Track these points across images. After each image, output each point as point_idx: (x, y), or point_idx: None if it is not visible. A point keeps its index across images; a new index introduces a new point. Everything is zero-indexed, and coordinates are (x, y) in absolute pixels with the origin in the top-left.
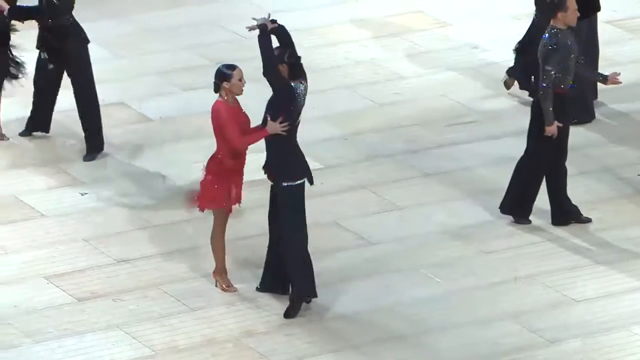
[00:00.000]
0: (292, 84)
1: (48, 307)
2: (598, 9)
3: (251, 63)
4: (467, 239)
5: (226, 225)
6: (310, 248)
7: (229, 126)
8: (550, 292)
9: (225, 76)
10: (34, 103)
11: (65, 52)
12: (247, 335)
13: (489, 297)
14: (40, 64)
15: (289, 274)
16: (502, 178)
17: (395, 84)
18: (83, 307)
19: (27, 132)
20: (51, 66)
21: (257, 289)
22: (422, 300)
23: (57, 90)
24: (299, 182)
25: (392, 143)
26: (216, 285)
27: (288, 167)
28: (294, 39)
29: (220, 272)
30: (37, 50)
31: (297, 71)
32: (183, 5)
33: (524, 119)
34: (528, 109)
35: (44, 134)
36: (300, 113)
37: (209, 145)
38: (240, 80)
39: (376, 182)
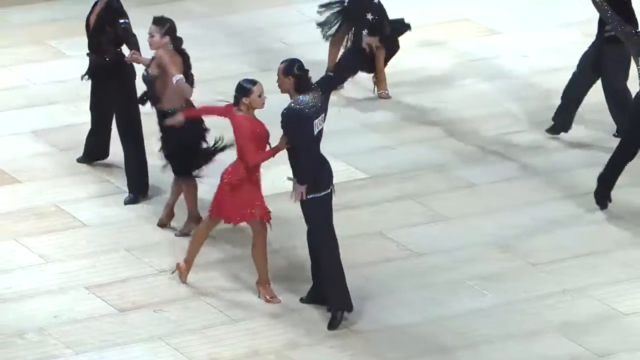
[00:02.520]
0: (296, 99)
1: (89, 318)
2: None
3: None
4: (515, 250)
5: (266, 235)
6: (354, 258)
7: (248, 144)
8: (599, 304)
9: (244, 91)
10: (91, 129)
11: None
12: (290, 348)
13: (536, 309)
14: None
15: (324, 285)
16: (550, 189)
17: (442, 93)
18: (124, 318)
19: (86, 159)
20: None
21: (301, 300)
22: (469, 312)
23: (112, 116)
24: (323, 193)
25: (439, 152)
26: (259, 297)
27: (314, 180)
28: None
29: (264, 283)
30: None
31: (304, 85)
32: (228, 13)
33: (573, 130)
34: (579, 119)
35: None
36: (320, 124)
37: None
38: (259, 96)
39: (422, 192)
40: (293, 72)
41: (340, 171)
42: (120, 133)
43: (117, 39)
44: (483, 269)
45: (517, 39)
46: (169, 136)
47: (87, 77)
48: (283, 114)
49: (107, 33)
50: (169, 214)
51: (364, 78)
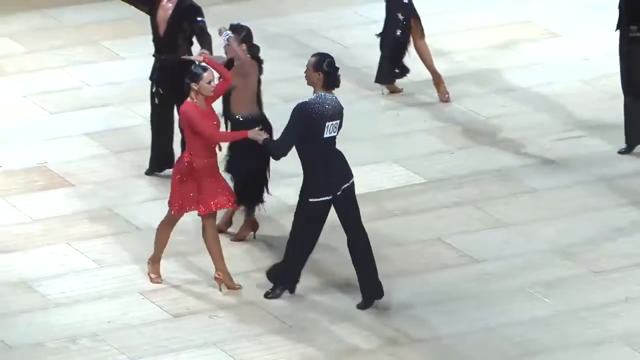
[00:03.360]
0: (319, 95)
1: (143, 324)
2: None
3: (353, 74)
4: (576, 257)
5: (213, 227)
6: (412, 265)
7: (201, 122)
8: None
9: (194, 77)
10: (153, 142)
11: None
12: (347, 354)
13: (598, 318)
14: (154, 104)
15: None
16: (613, 195)
17: (502, 96)
18: (179, 324)
19: (151, 171)
20: (157, 101)
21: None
22: (528, 321)
23: (173, 124)
24: (321, 199)
25: (498, 157)
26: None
27: (314, 183)
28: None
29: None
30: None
31: (333, 81)
32: (285, 14)
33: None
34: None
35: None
36: (333, 125)
37: None
38: (209, 83)
39: (481, 197)
40: (322, 68)
41: (398, 175)
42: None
43: (191, 38)
44: (543, 276)
45: (578, 42)
46: (238, 160)
47: (155, 78)
48: (299, 105)
49: (184, 31)
50: (227, 221)
51: (422, 82)
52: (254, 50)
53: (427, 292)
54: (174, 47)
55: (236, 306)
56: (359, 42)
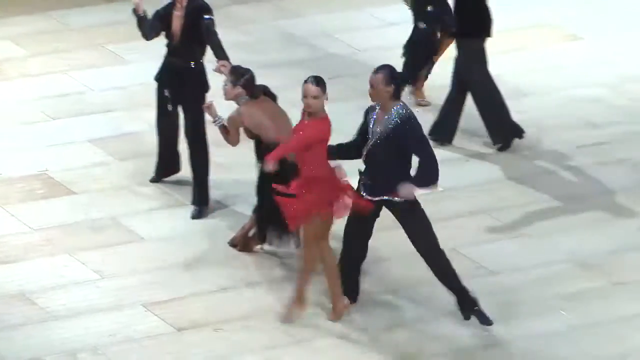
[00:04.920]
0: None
1: (146, 337)
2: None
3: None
4: (596, 269)
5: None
6: (426, 276)
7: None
8: None
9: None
10: (159, 149)
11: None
12: None
13: (618, 331)
14: (161, 109)
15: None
16: (634, 204)
17: (520, 102)
18: (182, 337)
19: (157, 178)
20: (170, 107)
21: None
22: (547, 334)
23: (178, 129)
24: None
25: (515, 165)
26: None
27: None
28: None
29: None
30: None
31: (399, 92)
32: (297, 16)
33: None
34: None
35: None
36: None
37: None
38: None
39: (497, 206)
40: (395, 80)
41: None
42: (189, 143)
43: (204, 40)
44: (563, 288)
45: (601, 45)
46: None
47: (164, 80)
48: (412, 117)
49: (199, 33)
50: (244, 235)
51: (437, 88)
52: (255, 93)
53: (441, 304)
54: (190, 53)
55: (242, 319)
56: (372, 45)
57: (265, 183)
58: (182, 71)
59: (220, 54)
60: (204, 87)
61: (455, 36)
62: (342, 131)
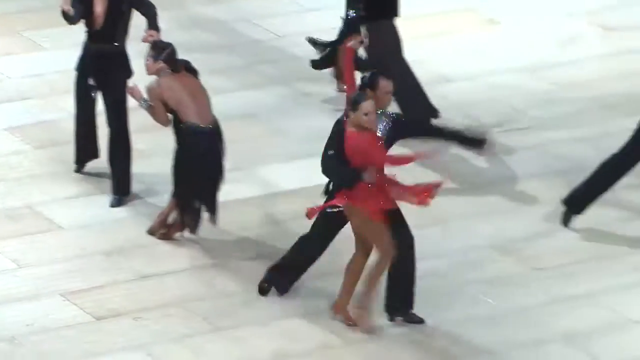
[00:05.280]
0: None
1: (64, 327)
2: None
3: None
4: (517, 254)
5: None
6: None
7: (374, 151)
8: (607, 312)
9: (354, 105)
10: (77, 136)
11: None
12: (279, 357)
13: (541, 317)
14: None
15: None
16: (552, 189)
17: (442, 87)
18: (102, 326)
19: (81, 165)
20: (93, 94)
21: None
22: (469, 319)
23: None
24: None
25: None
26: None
27: None
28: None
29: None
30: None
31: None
32: (216, 1)
33: (577, 127)
34: (582, 117)
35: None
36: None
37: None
38: (366, 115)
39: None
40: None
41: None
42: (110, 131)
43: (129, 23)
44: (484, 274)
45: (520, 30)
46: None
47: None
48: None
49: (124, 14)
50: (162, 222)
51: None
52: (176, 68)
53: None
54: (113, 36)
55: (162, 308)
56: (291, 30)
57: (181, 166)
58: (105, 56)
59: (153, 24)
60: (127, 72)
61: (364, 20)
62: (260, 119)
